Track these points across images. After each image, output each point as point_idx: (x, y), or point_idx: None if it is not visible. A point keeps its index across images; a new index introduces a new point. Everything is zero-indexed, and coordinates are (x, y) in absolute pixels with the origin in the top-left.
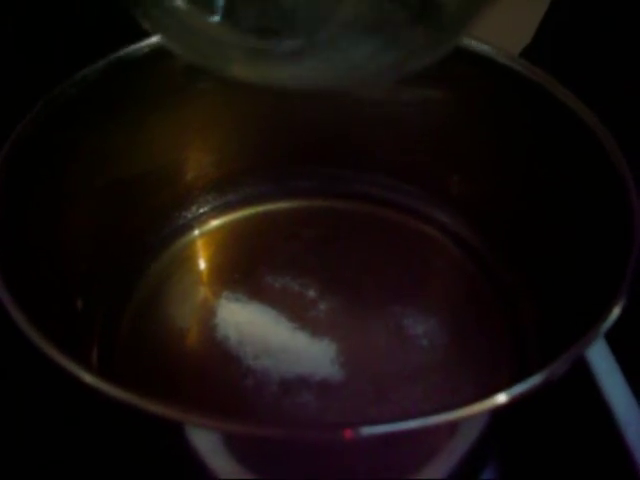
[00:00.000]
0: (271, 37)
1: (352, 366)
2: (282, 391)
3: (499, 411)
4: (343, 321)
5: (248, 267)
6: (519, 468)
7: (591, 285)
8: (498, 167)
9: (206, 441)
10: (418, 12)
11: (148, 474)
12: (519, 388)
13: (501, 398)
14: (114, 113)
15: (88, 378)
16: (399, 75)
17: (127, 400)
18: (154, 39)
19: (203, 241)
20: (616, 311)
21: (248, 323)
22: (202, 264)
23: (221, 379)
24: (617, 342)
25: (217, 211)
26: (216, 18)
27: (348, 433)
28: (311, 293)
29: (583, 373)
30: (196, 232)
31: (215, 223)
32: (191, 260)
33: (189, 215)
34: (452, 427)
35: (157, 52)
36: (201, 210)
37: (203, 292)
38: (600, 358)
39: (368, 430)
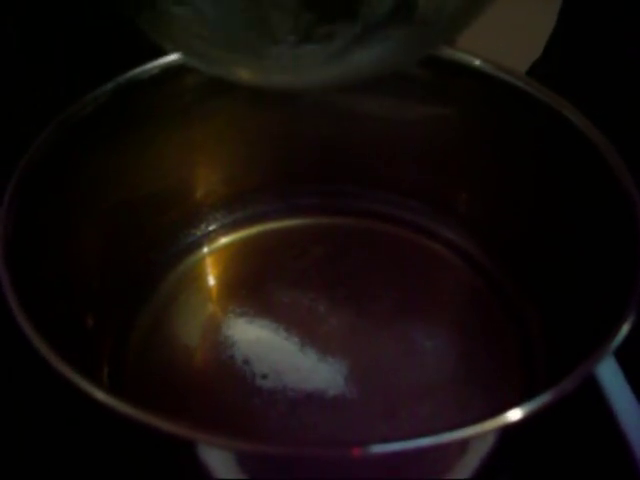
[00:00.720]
0: (305, 42)
1: (361, 383)
2: (291, 408)
3: (510, 428)
4: (352, 338)
5: (257, 284)
6: None
7: (599, 301)
8: (505, 184)
9: (216, 459)
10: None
11: None
12: (531, 405)
13: (514, 415)
14: (124, 133)
15: (100, 395)
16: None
17: (139, 418)
18: (162, 60)
19: (212, 259)
20: (626, 327)
21: (257, 341)
22: (211, 282)
23: (230, 397)
24: (625, 356)
25: (226, 229)
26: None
27: (357, 451)
28: (320, 310)
29: (590, 386)
30: (205, 250)
31: (224, 241)
32: (200, 278)
33: (198, 233)
34: (462, 444)
35: (165, 73)
36: (210, 228)
37: (212, 309)
38: (608, 372)
39: (377, 448)
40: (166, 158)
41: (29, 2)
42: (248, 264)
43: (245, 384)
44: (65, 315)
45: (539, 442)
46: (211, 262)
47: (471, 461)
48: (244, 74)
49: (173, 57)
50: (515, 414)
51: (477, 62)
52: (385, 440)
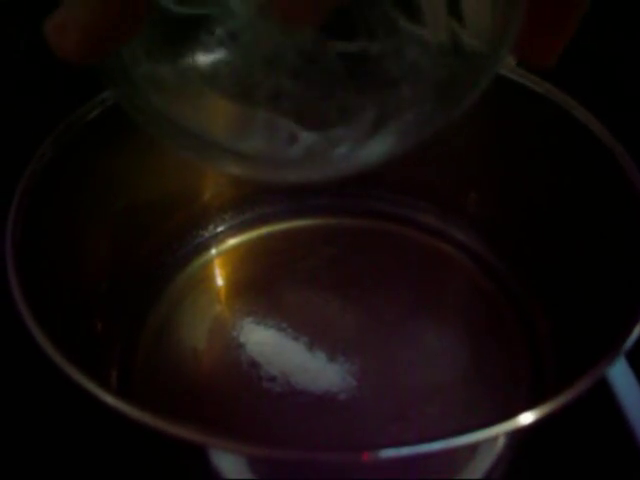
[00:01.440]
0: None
1: (371, 384)
2: (301, 410)
3: (521, 431)
4: (361, 339)
5: (265, 285)
6: None
7: (610, 302)
8: (514, 184)
9: (226, 462)
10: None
11: None
12: (543, 408)
13: (525, 418)
14: (131, 136)
15: (109, 399)
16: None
17: (148, 422)
18: None
19: (220, 260)
20: (638, 329)
21: (265, 342)
22: (219, 283)
23: (239, 399)
24: (635, 357)
25: (233, 230)
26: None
27: (367, 456)
28: (328, 311)
29: (601, 387)
30: (213, 251)
31: (232, 242)
32: (208, 279)
33: (206, 234)
34: (473, 447)
35: None
36: (218, 229)
37: (220, 311)
38: (618, 373)
39: (387, 453)
40: (173, 160)
41: (35, 7)
42: (256, 265)
43: (254, 386)
44: (74, 318)
45: (550, 443)
46: (219, 263)
47: (481, 463)
48: (243, 171)
49: None
50: (527, 418)
51: None
52: (395, 444)
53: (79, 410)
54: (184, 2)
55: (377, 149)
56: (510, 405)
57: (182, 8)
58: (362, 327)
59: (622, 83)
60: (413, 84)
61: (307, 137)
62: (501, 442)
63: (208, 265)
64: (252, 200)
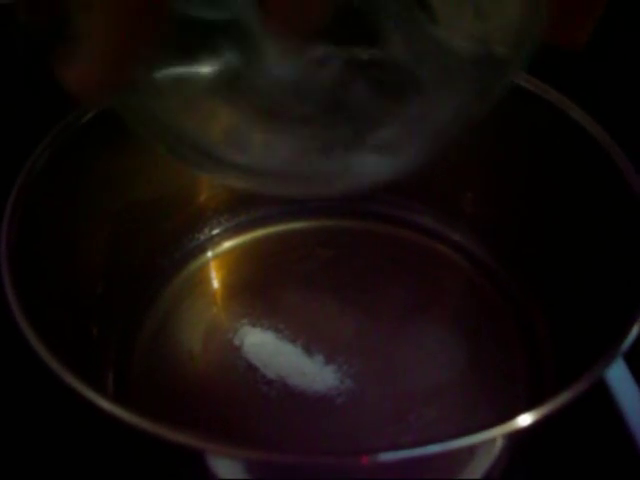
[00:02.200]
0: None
1: (368, 386)
2: (298, 414)
3: (520, 433)
4: (358, 341)
5: (261, 287)
6: None
7: (608, 303)
8: (511, 185)
9: (224, 467)
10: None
11: None
12: (541, 410)
13: (523, 420)
14: (126, 138)
15: (105, 405)
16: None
17: (145, 428)
18: None
19: (216, 263)
20: (636, 330)
21: (262, 344)
22: (215, 285)
23: (236, 403)
24: (633, 358)
25: (230, 232)
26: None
27: (365, 460)
28: (326, 313)
29: (599, 388)
30: (209, 254)
31: (228, 244)
32: (204, 282)
33: (202, 237)
34: (471, 449)
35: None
36: (214, 232)
37: (217, 314)
38: (616, 374)
39: (386, 456)
40: (169, 163)
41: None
42: (252, 267)
43: (251, 389)
44: (69, 322)
45: (548, 444)
46: (215, 266)
47: (479, 465)
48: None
49: None
50: (525, 419)
51: None
52: (393, 448)
53: (75, 415)
54: (201, 8)
55: (388, 164)
56: (508, 406)
57: (199, 12)
58: (359, 329)
59: (619, 84)
60: (436, 90)
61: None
62: (499, 444)
63: (204, 268)
64: (247, 202)
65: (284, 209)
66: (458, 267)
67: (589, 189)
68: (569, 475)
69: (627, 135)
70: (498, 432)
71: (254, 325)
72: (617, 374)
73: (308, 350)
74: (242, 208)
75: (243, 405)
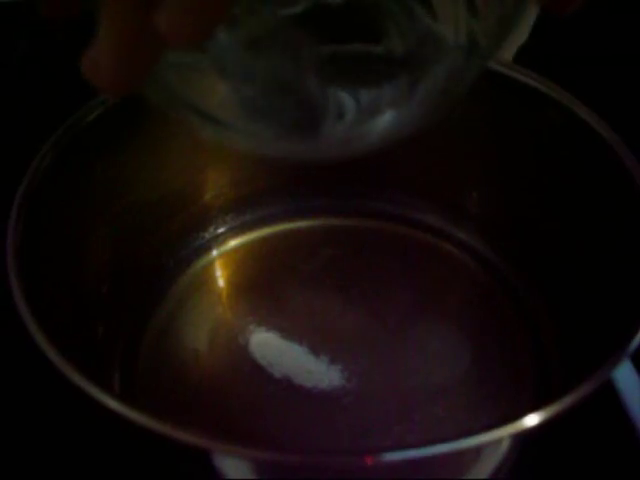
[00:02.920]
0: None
1: (374, 385)
2: (304, 413)
3: (527, 433)
4: (364, 340)
5: (267, 286)
6: None
7: (614, 302)
8: (516, 184)
9: (231, 466)
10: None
11: None
12: (548, 410)
13: (531, 420)
14: (131, 137)
15: (113, 404)
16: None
17: (154, 427)
18: None
19: (221, 262)
20: None
21: (268, 344)
22: (221, 285)
23: (242, 401)
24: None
25: (235, 231)
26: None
27: (370, 459)
28: (331, 312)
29: (606, 388)
30: (214, 253)
31: (233, 243)
32: (210, 281)
33: (207, 236)
34: (478, 449)
35: None
36: (219, 230)
37: (222, 313)
38: (623, 374)
39: (390, 456)
40: (174, 161)
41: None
42: (258, 266)
43: (256, 388)
44: (75, 321)
45: (554, 444)
46: (221, 265)
47: (486, 465)
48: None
49: None
50: (532, 419)
51: (491, 63)
52: (398, 447)
53: (81, 414)
54: None
55: (413, 118)
56: (514, 406)
57: None
58: (365, 328)
59: (625, 81)
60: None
61: (348, 104)
62: (506, 443)
63: (209, 267)
64: (253, 201)
65: (289, 208)
66: (463, 266)
67: (596, 188)
68: (575, 475)
69: (635, 133)
70: (505, 432)
71: (259, 324)
72: (623, 373)
73: (314, 349)
74: (247, 207)
75: (249, 404)
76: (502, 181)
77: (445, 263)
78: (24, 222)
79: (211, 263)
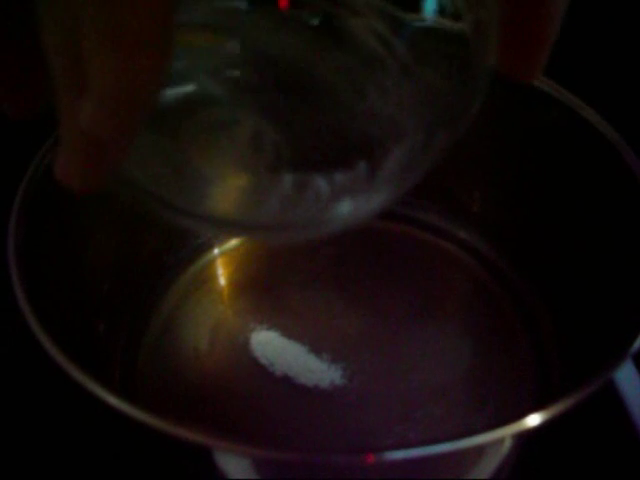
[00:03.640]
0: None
1: (376, 384)
2: (306, 411)
3: (528, 433)
4: (365, 339)
5: (268, 285)
6: None
7: (616, 302)
8: (519, 183)
9: (232, 464)
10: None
11: None
12: (550, 410)
13: (533, 420)
14: None
15: (114, 401)
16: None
17: (154, 424)
18: None
19: (223, 260)
20: None
21: (269, 342)
22: (222, 283)
23: (243, 400)
24: None
25: None
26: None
27: (371, 458)
28: (332, 311)
29: (607, 388)
30: (215, 251)
31: (234, 241)
32: (211, 279)
33: (208, 234)
34: (479, 449)
35: None
36: None
37: (223, 311)
38: (624, 374)
39: (392, 455)
40: None
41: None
42: (259, 265)
43: (257, 386)
44: (76, 319)
45: (555, 443)
46: (222, 263)
47: (487, 465)
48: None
49: None
50: (534, 419)
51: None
52: (400, 446)
53: (82, 411)
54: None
55: (377, 199)
56: (515, 406)
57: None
58: (366, 327)
59: (629, 82)
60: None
61: (323, 187)
62: (508, 443)
63: (211, 265)
64: None
65: None
66: (465, 265)
67: (598, 189)
68: (576, 475)
69: (638, 134)
70: (507, 432)
71: (261, 323)
72: (624, 373)
73: (315, 348)
74: None
75: (250, 403)
76: (504, 181)
77: (446, 262)
78: (25, 221)
79: (212, 261)
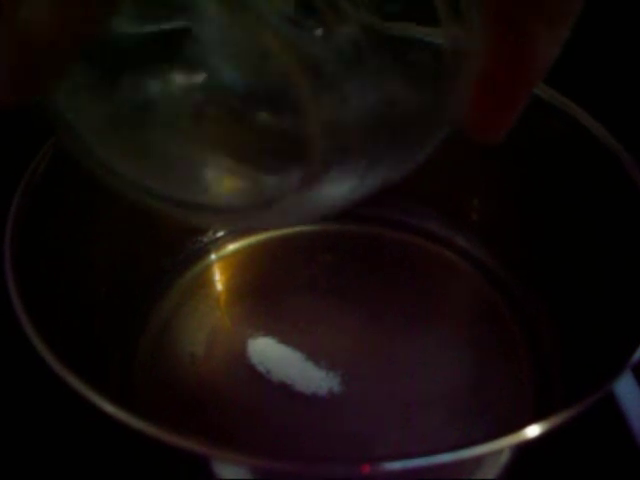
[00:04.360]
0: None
1: (373, 391)
2: (303, 419)
3: (527, 444)
4: (363, 347)
5: (265, 291)
6: None
7: (616, 312)
8: (518, 191)
9: (228, 472)
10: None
11: None
12: (550, 422)
13: (532, 431)
14: None
15: (110, 409)
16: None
17: (151, 433)
18: None
19: (220, 265)
20: None
21: (266, 350)
22: (219, 288)
23: (240, 407)
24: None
25: (233, 235)
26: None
27: (367, 468)
28: (330, 318)
29: (606, 399)
30: (213, 256)
31: (232, 247)
32: (208, 285)
33: (205, 239)
34: (477, 458)
35: None
36: (217, 234)
37: (220, 317)
38: (624, 386)
39: (388, 465)
40: None
41: None
42: (256, 271)
43: (254, 393)
44: (72, 323)
45: (553, 453)
46: (219, 269)
47: (484, 475)
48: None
49: None
50: (533, 430)
51: None
52: (397, 456)
53: (77, 417)
54: (144, 19)
55: (333, 191)
56: (514, 415)
57: (141, 27)
58: (364, 334)
59: (627, 89)
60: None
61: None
62: (506, 453)
63: (208, 270)
64: None
65: None
66: (463, 272)
67: (598, 197)
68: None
69: (636, 140)
70: (507, 442)
71: (258, 329)
72: (624, 385)
73: (313, 355)
74: None
75: (247, 410)
76: (504, 189)
77: (445, 270)
78: (23, 222)
79: (209, 267)
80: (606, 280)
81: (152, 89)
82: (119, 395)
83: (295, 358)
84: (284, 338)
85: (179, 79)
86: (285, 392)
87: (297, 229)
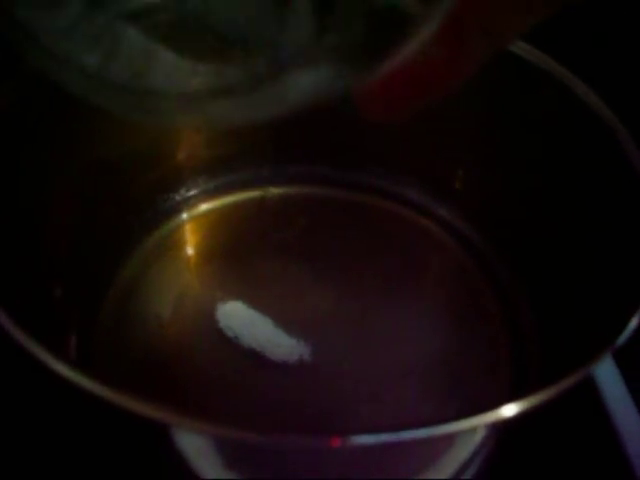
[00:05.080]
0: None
1: (345, 363)
2: (272, 387)
3: (503, 423)
4: (336, 315)
5: (236, 254)
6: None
7: (599, 291)
8: (504, 162)
9: (191, 442)
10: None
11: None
12: (527, 402)
13: (509, 410)
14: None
15: (66, 371)
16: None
17: (108, 397)
18: None
19: (191, 226)
20: (634, 323)
21: (236, 315)
22: (189, 250)
23: (205, 373)
24: (622, 356)
25: (206, 194)
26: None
27: (336, 441)
28: (303, 284)
29: (586, 383)
30: (184, 216)
31: (204, 207)
32: (177, 246)
33: (177, 197)
34: (450, 436)
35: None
36: (190, 193)
37: (189, 279)
38: (604, 370)
39: (357, 439)
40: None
41: None
42: (228, 233)
43: (222, 360)
44: (31, 284)
45: (529, 436)
46: (190, 229)
47: (458, 453)
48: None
49: None
50: (510, 409)
51: None
52: (368, 430)
53: (34, 381)
54: None
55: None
56: (489, 393)
57: None
58: (337, 302)
59: (626, 60)
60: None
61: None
62: (480, 433)
63: (178, 230)
64: (227, 164)
65: (265, 173)
66: (443, 244)
67: (589, 169)
68: (552, 471)
69: (633, 113)
70: (482, 421)
71: (228, 293)
72: (604, 368)
73: (283, 322)
74: (221, 170)
75: (213, 376)
76: (490, 160)
77: (425, 240)
78: None
79: (180, 227)
80: (592, 260)
81: None
82: (78, 357)
83: (265, 324)
84: (255, 303)
85: None
86: (254, 359)
87: (273, 191)
